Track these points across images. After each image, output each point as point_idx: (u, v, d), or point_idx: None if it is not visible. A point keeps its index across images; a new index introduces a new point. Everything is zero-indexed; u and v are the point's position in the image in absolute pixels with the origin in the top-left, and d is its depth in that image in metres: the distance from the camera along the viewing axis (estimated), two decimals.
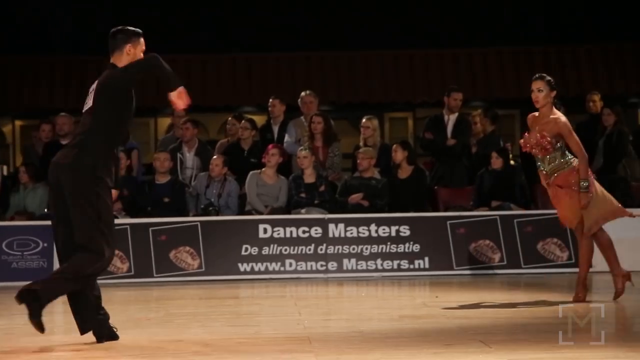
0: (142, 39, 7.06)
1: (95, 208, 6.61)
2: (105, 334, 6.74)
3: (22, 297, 6.52)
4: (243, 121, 13.36)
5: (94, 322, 6.74)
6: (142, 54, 7.01)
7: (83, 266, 6.57)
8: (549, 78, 8.67)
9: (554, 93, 8.67)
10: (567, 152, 8.65)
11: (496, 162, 12.40)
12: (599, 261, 11.87)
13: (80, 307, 6.75)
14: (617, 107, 12.91)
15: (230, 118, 13.96)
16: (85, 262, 6.56)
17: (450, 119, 13.08)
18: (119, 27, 7.09)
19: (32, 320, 6.52)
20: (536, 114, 8.78)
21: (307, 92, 13.39)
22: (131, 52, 7.00)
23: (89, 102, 6.95)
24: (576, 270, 11.82)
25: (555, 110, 8.72)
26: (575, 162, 8.59)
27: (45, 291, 6.55)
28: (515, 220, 12.02)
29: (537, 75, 8.70)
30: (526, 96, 19.85)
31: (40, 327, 6.54)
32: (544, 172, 8.76)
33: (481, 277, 11.66)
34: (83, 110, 6.98)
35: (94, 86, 7.03)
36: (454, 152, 12.90)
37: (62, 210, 6.70)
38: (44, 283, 6.63)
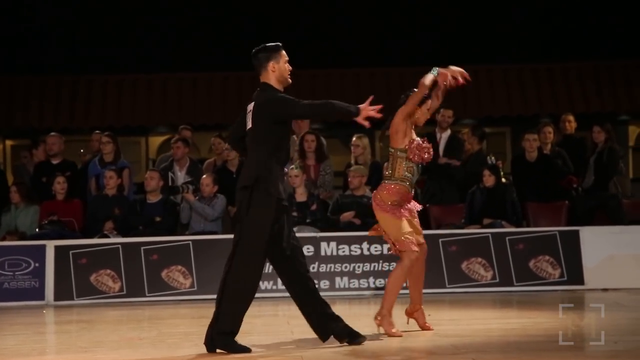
0: (282, 52, 7.15)
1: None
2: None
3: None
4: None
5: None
6: (287, 65, 7.14)
7: None
8: None
9: None
10: None
11: (488, 180, 12.41)
12: (590, 278, 11.92)
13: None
14: (607, 125, 12.94)
15: (214, 138, 13.97)
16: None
17: (443, 137, 13.12)
18: (260, 46, 7.15)
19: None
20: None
21: None
22: (276, 69, 7.12)
23: (249, 123, 7.07)
24: (569, 287, 11.90)
25: None
26: None
27: None
28: (507, 238, 12.02)
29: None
30: (516, 114, 19.85)
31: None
32: (408, 185, 7.77)
33: (473, 295, 11.66)
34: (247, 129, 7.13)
35: (250, 106, 7.08)
36: (445, 170, 12.92)
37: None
38: None
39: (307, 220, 12.22)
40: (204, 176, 12.58)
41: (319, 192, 12.70)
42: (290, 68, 7.21)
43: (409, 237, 7.76)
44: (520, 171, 13.03)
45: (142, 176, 14.43)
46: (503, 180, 12.69)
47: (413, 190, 7.93)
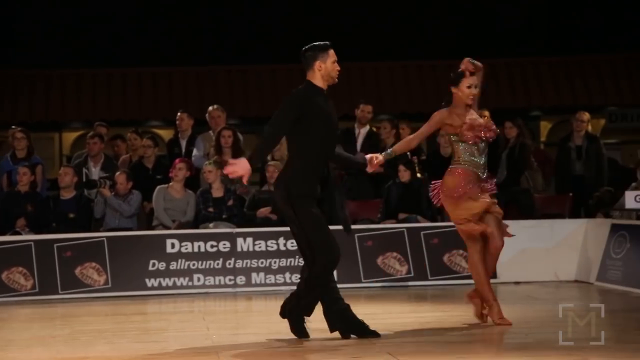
0: (330, 51, 7.18)
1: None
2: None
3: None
4: (145, 139, 13.29)
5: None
6: (334, 65, 7.18)
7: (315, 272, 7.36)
8: None
9: None
10: None
11: (404, 175, 12.52)
12: (503, 271, 12.11)
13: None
14: (518, 120, 13.14)
15: (130, 133, 13.85)
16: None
17: (361, 133, 13.22)
18: (309, 45, 7.18)
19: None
20: (446, 111, 8.22)
21: (215, 106, 13.36)
22: (322, 68, 7.16)
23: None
24: None
25: None
26: None
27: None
28: (421, 233, 12.14)
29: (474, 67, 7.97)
30: (431, 109, 20.08)
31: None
32: (481, 163, 7.93)
33: (389, 289, 11.75)
34: None
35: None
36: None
37: None
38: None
39: (224, 216, 12.19)
40: (117, 174, 12.46)
41: (235, 188, 12.68)
42: (339, 68, 7.28)
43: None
44: (436, 166, 13.15)
45: (55, 172, 14.23)
46: (418, 175, 12.81)
47: (485, 172, 7.92)
